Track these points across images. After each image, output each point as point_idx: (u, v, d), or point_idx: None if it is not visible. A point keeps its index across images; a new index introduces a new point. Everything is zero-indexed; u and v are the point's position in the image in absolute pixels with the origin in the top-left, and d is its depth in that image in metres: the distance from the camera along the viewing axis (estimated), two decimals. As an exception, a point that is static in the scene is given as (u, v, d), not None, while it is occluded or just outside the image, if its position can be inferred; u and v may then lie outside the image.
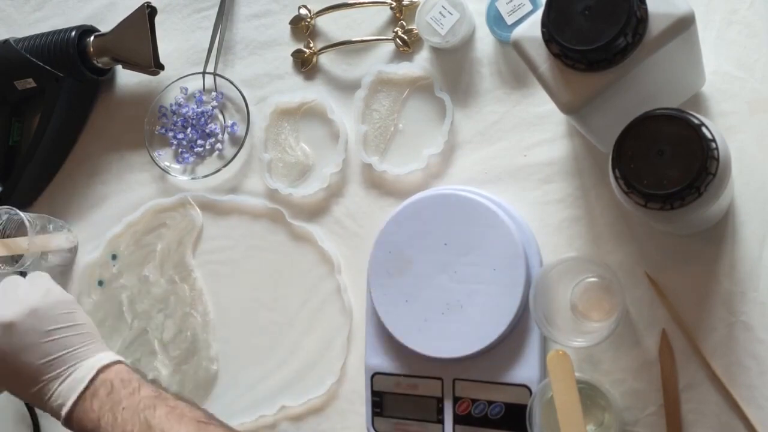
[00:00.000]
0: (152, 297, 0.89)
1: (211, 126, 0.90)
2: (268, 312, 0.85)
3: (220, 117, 0.90)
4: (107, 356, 0.73)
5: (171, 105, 0.92)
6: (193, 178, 0.89)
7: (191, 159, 0.90)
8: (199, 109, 0.90)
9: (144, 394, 0.70)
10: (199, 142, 0.89)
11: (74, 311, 0.74)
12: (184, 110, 0.91)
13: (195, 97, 0.91)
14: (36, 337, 0.70)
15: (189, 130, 0.90)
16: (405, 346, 0.74)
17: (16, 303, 0.71)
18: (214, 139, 0.89)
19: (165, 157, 0.91)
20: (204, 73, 0.90)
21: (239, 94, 0.88)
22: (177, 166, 0.91)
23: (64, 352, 0.71)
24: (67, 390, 0.70)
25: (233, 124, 0.89)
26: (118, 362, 0.73)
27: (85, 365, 0.71)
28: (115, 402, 0.69)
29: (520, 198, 0.76)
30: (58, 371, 0.70)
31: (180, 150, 0.90)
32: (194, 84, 0.91)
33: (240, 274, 0.87)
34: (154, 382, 0.74)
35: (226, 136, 0.89)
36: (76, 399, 0.69)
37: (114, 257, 0.91)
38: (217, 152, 0.89)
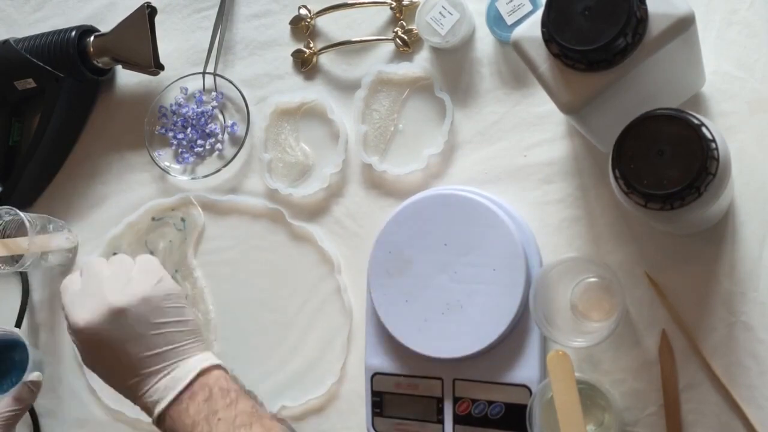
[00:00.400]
0: (152, 297, 0.89)
1: (211, 126, 0.90)
2: (269, 312, 0.85)
3: (220, 117, 0.90)
4: (208, 358, 0.69)
5: (171, 105, 0.92)
6: (193, 178, 0.89)
7: (191, 159, 0.90)
8: (199, 109, 0.90)
9: (241, 409, 0.65)
10: (199, 142, 0.89)
11: (184, 306, 0.69)
12: (184, 110, 0.91)
13: (195, 97, 0.91)
14: (144, 327, 0.66)
15: (189, 130, 0.90)
16: (405, 346, 0.74)
17: (128, 288, 0.67)
18: (214, 139, 0.89)
19: (165, 157, 0.91)
20: (204, 73, 0.90)
21: (239, 94, 0.88)
22: (177, 166, 0.91)
23: (169, 347, 0.67)
24: (164, 388, 0.66)
25: (233, 124, 0.89)
26: (218, 366, 0.69)
27: (187, 365, 0.67)
28: (211, 411, 0.65)
29: (520, 198, 0.76)
30: (159, 366, 0.66)
31: (180, 150, 0.90)
32: (194, 84, 0.91)
33: (240, 274, 0.87)
34: (250, 394, 0.70)
35: (226, 136, 0.89)
36: (173, 399, 0.65)
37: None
38: (217, 152, 0.89)
